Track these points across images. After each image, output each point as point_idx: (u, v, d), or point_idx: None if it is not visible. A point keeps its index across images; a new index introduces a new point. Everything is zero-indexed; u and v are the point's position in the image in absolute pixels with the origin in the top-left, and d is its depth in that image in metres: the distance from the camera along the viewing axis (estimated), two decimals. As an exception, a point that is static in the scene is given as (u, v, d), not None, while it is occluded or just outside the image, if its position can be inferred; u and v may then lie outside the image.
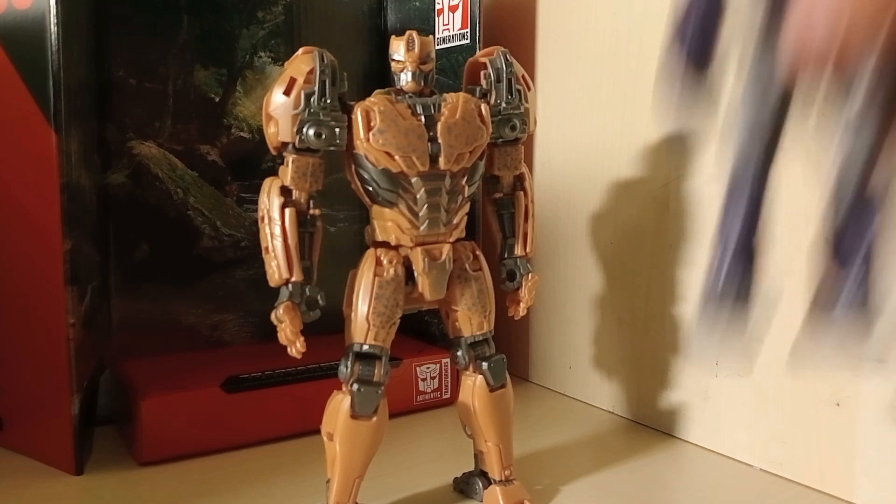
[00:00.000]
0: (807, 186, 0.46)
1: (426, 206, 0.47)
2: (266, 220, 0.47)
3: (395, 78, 0.49)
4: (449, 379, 0.74)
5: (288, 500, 0.55)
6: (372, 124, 0.46)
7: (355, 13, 0.83)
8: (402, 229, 0.48)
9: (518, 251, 0.53)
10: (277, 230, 0.46)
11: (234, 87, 0.76)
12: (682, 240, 0.65)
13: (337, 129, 0.47)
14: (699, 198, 0.64)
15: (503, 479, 0.52)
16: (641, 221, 0.69)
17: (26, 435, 0.62)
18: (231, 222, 0.76)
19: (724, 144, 0.35)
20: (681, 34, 0.36)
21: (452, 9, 0.76)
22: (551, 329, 0.78)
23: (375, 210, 0.49)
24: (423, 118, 0.47)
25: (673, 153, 0.65)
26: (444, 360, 0.73)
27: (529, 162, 0.66)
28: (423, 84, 0.49)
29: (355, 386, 0.48)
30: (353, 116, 0.47)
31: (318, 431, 0.50)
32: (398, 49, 0.49)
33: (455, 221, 0.49)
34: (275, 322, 0.47)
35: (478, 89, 0.51)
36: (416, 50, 0.48)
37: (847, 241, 0.35)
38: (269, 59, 0.77)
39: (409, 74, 0.48)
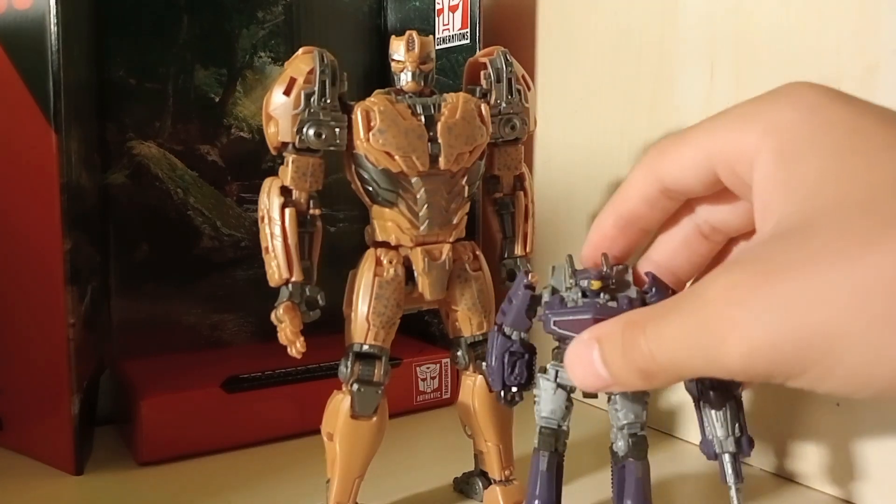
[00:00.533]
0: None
1: (426, 206, 0.47)
2: (266, 220, 0.47)
3: (395, 78, 0.49)
4: (449, 379, 0.74)
5: (288, 500, 0.55)
6: (372, 124, 0.46)
7: (355, 13, 0.83)
8: (402, 229, 0.48)
9: (518, 251, 0.53)
10: (277, 230, 0.46)
11: (234, 87, 0.76)
12: (682, 240, 0.65)
13: (337, 129, 0.47)
14: (699, 198, 0.64)
15: (503, 479, 0.52)
16: (641, 221, 0.68)
17: (26, 435, 0.62)
18: (231, 222, 0.76)
19: None
20: None
21: (452, 9, 0.76)
22: (551, 329, 0.77)
23: (375, 210, 0.49)
24: (423, 118, 0.47)
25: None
26: (444, 360, 0.73)
27: (529, 162, 0.66)
28: (423, 84, 0.49)
29: (355, 386, 0.48)
30: (353, 116, 0.47)
31: (318, 431, 0.50)
32: (398, 49, 0.49)
33: (455, 221, 0.49)
34: (275, 322, 0.47)
35: (478, 89, 0.51)
36: (416, 50, 0.48)
37: None
38: (269, 59, 0.77)
39: (409, 74, 0.48)
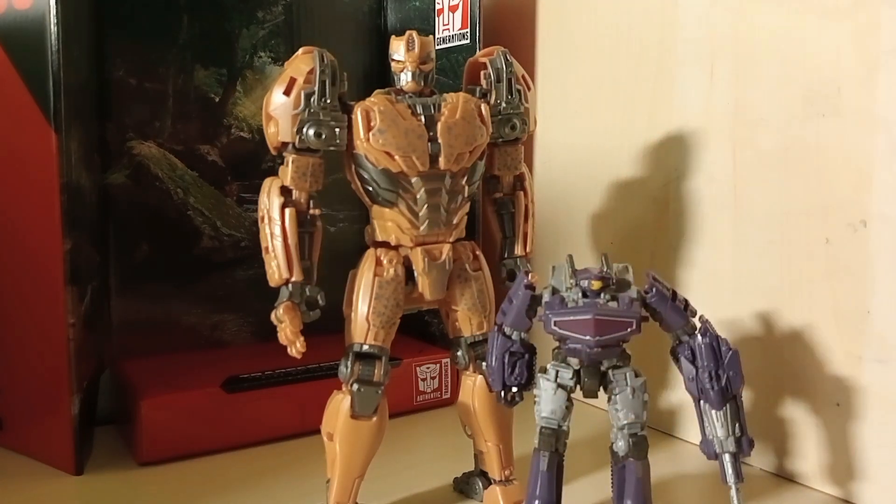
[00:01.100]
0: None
1: (426, 206, 0.47)
2: (266, 220, 0.47)
3: (395, 78, 0.49)
4: (449, 379, 0.74)
5: (288, 500, 0.55)
6: (372, 124, 0.46)
7: (355, 13, 0.83)
8: (402, 229, 0.48)
9: (518, 251, 0.53)
10: (277, 230, 0.46)
11: (234, 87, 0.76)
12: (682, 240, 0.65)
13: (337, 129, 0.47)
14: (699, 198, 0.64)
15: (503, 479, 0.52)
16: (641, 221, 0.69)
17: (26, 435, 0.62)
18: (231, 222, 0.76)
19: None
20: None
21: (452, 9, 0.76)
22: (551, 329, 0.77)
23: (375, 210, 0.49)
24: (423, 118, 0.47)
25: (673, 153, 0.65)
26: (444, 360, 0.73)
27: (529, 162, 0.66)
28: (423, 84, 0.49)
29: (355, 386, 0.48)
30: (353, 116, 0.47)
31: (318, 431, 0.50)
32: (398, 49, 0.49)
33: (455, 221, 0.49)
34: (275, 322, 0.47)
35: (478, 89, 0.51)
36: (416, 50, 0.48)
37: None
38: (269, 59, 0.77)
39: (409, 74, 0.48)
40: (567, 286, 0.45)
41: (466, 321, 0.51)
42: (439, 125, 0.47)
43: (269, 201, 0.47)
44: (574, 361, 0.45)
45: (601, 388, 0.45)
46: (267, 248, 0.47)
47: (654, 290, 0.45)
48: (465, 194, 0.49)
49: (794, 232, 0.57)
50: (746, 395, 0.54)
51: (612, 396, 0.45)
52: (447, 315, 0.52)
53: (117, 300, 0.72)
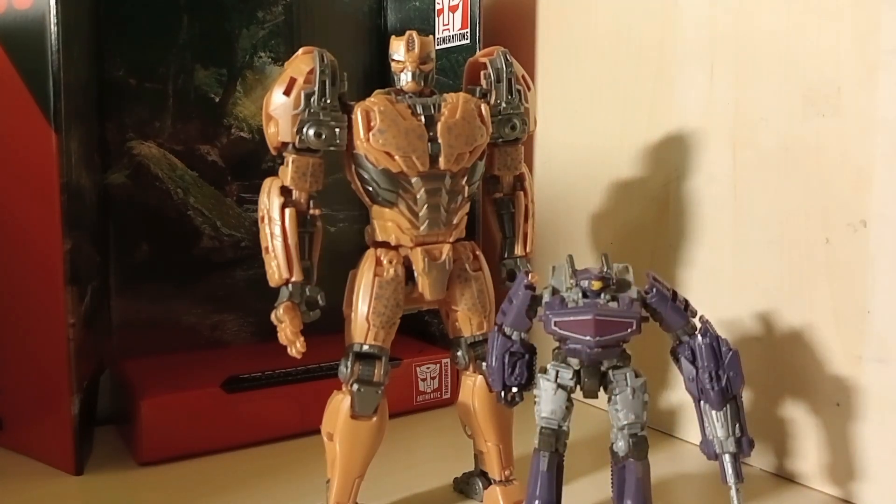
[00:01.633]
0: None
1: (426, 206, 0.47)
2: (266, 220, 0.47)
3: (395, 78, 0.49)
4: (449, 379, 0.74)
5: (288, 500, 0.55)
6: (372, 124, 0.46)
7: (355, 13, 0.83)
8: (402, 229, 0.48)
9: (518, 251, 0.53)
10: (277, 230, 0.46)
11: (234, 87, 0.76)
12: (682, 240, 0.65)
13: (337, 129, 0.47)
14: (699, 198, 0.64)
15: (503, 479, 0.52)
16: (641, 221, 0.69)
17: (26, 435, 0.62)
18: (231, 222, 0.76)
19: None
20: None
21: (452, 9, 0.76)
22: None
23: (375, 210, 0.49)
24: (423, 118, 0.47)
25: (673, 153, 0.65)
26: (444, 360, 0.73)
27: (529, 162, 0.66)
28: (423, 84, 0.49)
29: (355, 386, 0.48)
30: (353, 116, 0.47)
31: (318, 431, 0.50)
32: (398, 49, 0.49)
33: (455, 221, 0.49)
34: (275, 322, 0.47)
35: (478, 89, 0.51)
36: (416, 50, 0.48)
37: None
38: (269, 59, 0.77)
39: (409, 74, 0.48)
40: (567, 286, 0.45)
41: (466, 321, 0.51)
42: (439, 125, 0.47)
43: (269, 201, 0.47)
44: (574, 361, 0.45)
45: (601, 389, 0.45)
46: (267, 248, 0.47)
47: (654, 290, 0.45)
48: (465, 194, 0.49)
49: (794, 232, 0.57)
50: (746, 395, 0.54)
51: (612, 396, 0.45)
52: (447, 315, 0.52)
53: (117, 300, 0.72)
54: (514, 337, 0.46)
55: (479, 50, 0.72)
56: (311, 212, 0.48)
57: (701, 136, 0.63)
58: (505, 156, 0.53)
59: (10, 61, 0.58)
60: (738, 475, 0.45)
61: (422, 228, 0.48)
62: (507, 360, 0.46)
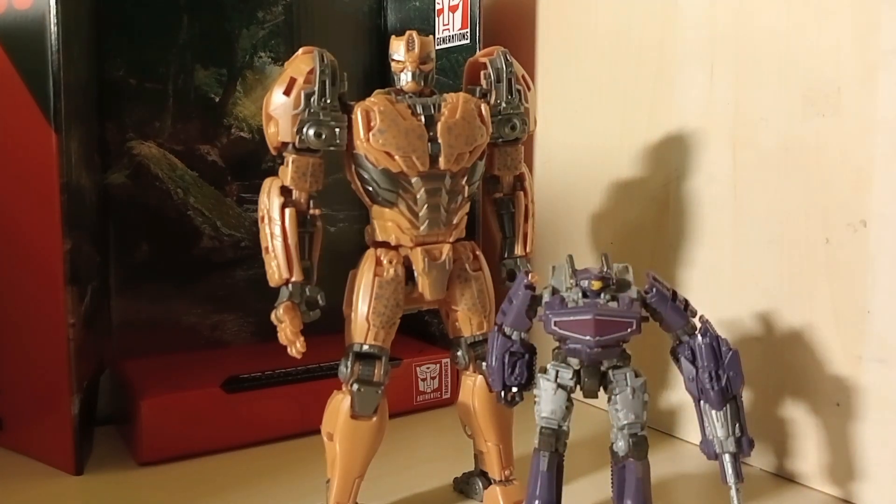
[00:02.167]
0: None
1: (426, 206, 0.47)
2: (266, 220, 0.47)
3: (395, 78, 0.49)
4: (449, 379, 0.74)
5: (288, 500, 0.55)
6: (372, 124, 0.46)
7: (355, 13, 0.83)
8: (402, 229, 0.48)
9: (518, 251, 0.53)
10: (277, 230, 0.46)
11: (234, 87, 0.76)
12: (682, 240, 0.65)
13: (337, 129, 0.47)
14: (699, 198, 0.64)
15: (503, 479, 0.52)
16: (641, 221, 0.69)
17: (26, 435, 0.62)
18: (231, 222, 0.76)
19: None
20: None
21: (452, 9, 0.76)
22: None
23: (375, 210, 0.49)
24: (423, 118, 0.47)
25: (673, 153, 0.65)
26: (444, 360, 0.73)
27: (529, 162, 0.66)
28: (423, 84, 0.49)
29: (355, 386, 0.48)
30: (353, 116, 0.47)
31: (318, 431, 0.50)
32: (398, 49, 0.49)
33: (455, 221, 0.49)
34: (275, 322, 0.47)
35: (478, 89, 0.51)
36: (416, 50, 0.48)
37: None
38: (269, 59, 0.77)
39: (409, 74, 0.48)
40: (567, 286, 0.45)
41: (466, 321, 0.51)
42: (439, 125, 0.47)
43: (269, 201, 0.47)
44: (574, 361, 0.45)
45: (601, 388, 0.45)
46: (267, 248, 0.47)
47: (654, 290, 0.45)
48: (465, 194, 0.49)
49: (794, 232, 0.57)
50: (746, 395, 0.54)
51: (612, 396, 0.45)
52: (447, 315, 0.52)
53: (117, 300, 0.72)
54: (514, 337, 0.46)
55: (479, 50, 0.72)
56: (311, 212, 0.48)
57: (701, 136, 0.63)
58: (505, 156, 0.53)
59: (10, 61, 0.58)
60: (738, 475, 0.45)
61: (422, 228, 0.48)
62: (507, 360, 0.46)
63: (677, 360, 0.46)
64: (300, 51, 0.48)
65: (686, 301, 0.46)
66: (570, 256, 0.45)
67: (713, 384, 0.45)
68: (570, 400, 0.45)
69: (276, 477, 0.59)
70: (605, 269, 0.44)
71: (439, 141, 0.47)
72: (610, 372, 0.45)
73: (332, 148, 0.47)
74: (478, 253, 0.52)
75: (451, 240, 0.49)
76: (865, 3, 0.52)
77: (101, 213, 0.70)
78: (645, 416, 0.45)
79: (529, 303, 0.45)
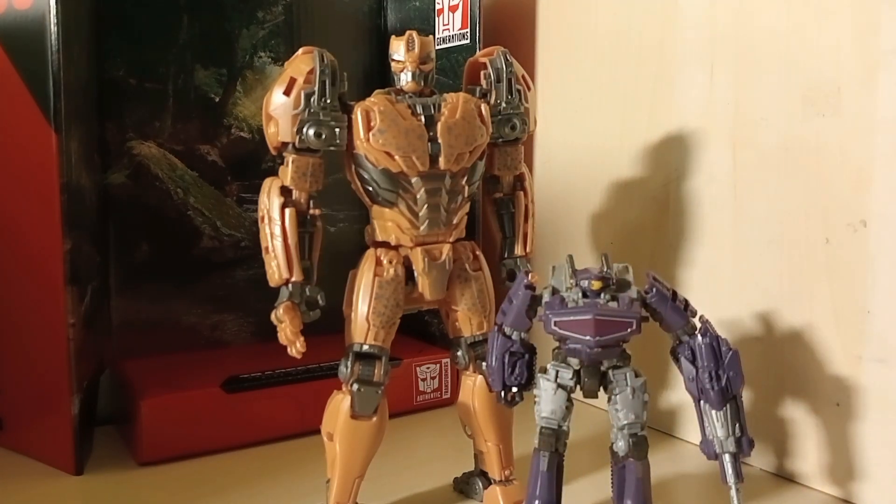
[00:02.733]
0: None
1: (426, 206, 0.47)
2: (266, 220, 0.47)
3: (395, 78, 0.49)
4: (449, 379, 0.74)
5: (288, 500, 0.55)
6: (372, 124, 0.46)
7: (355, 13, 0.83)
8: (402, 229, 0.48)
9: (518, 251, 0.53)
10: (277, 230, 0.46)
11: (234, 87, 0.76)
12: (682, 240, 0.65)
13: (337, 129, 0.47)
14: (699, 198, 0.64)
15: (503, 479, 0.52)
16: (641, 221, 0.69)
17: (26, 435, 0.62)
18: (231, 222, 0.76)
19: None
20: None
21: (452, 9, 0.76)
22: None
23: (375, 210, 0.49)
24: (423, 118, 0.47)
25: (673, 153, 0.65)
26: (444, 360, 0.73)
27: (529, 162, 0.66)
28: (423, 84, 0.49)
29: (355, 386, 0.48)
30: (353, 116, 0.47)
31: (318, 431, 0.50)
32: (398, 49, 0.49)
33: (455, 221, 0.49)
34: (275, 322, 0.47)
35: (478, 89, 0.51)
36: (416, 50, 0.48)
37: None
38: (269, 59, 0.77)
39: (409, 74, 0.48)
40: (567, 286, 0.45)
41: (466, 321, 0.51)
42: (439, 125, 0.47)
43: (269, 201, 0.47)
44: (574, 361, 0.45)
45: (601, 388, 0.45)
46: (267, 248, 0.47)
47: (654, 290, 0.45)
48: (465, 194, 0.49)
49: (794, 232, 0.57)
50: (746, 395, 0.54)
51: (612, 396, 0.45)
52: (447, 315, 0.52)
53: (117, 300, 0.72)
54: (514, 337, 0.46)
55: (479, 50, 0.72)
56: (311, 212, 0.48)
57: (701, 136, 0.63)
58: (505, 156, 0.53)
59: (10, 61, 0.58)
60: (738, 475, 0.45)
61: (422, 228, 0.48)
62: (507, 360, 0.46)
63: (677, 360, 0.46)
64: (300, 51, 0.48)
65: (686, 301, 0.46)
66: (570, 256, 0.45)
67: (713, 384, 0.45)
68: (570, 400, 0.45)
69: (276, 477, 0.59)
70: (605, 269, 0.44)
71: (439, 141, 0.47)
72: (610, 372, 0.45)
73: (332, 148, 0.47)
74: (478, 253, 0.52)
75: (451, 240, 0.49)
76: (865, 3, 0.52)
77: (101, 213, 0.70)
78: (645, 416, 0.45)
79: (529, 303, 0.45)
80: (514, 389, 0.46)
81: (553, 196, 0.76)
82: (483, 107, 0.49)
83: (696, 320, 0.46)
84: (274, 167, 0.48)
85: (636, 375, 0.45)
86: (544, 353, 0.47)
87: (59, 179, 0.56)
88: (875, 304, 0.52)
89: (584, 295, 0.44)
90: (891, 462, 0.52)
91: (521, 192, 0.53)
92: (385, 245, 0.49)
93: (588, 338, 0.43)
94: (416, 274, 0.49)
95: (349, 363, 0.48)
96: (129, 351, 0.72)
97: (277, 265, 0.46)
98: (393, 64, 0.49)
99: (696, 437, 0.49)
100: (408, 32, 0.49)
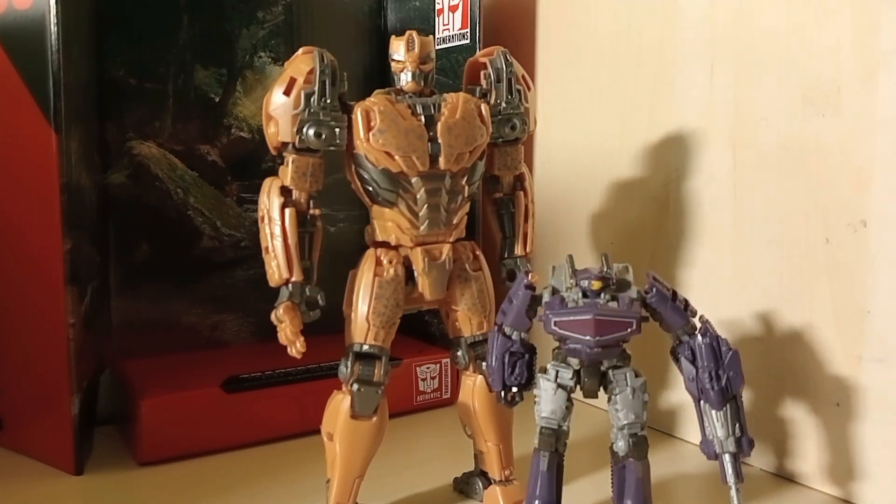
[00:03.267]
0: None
1: (426, 206, 0.47)
2: (266, 220, 0.47)
3: (395, 78, 0.49)
4: (449, 379, 0.74)
5: (288, 500, 0.55)
6: (372, 124, 0.46)
7: (355, 13, 0.83)
8: (402, 229, 0.48)
9: (518, 251, 0.53)
10: (277, 230, 0.46)
11: (234, 87, 0.76)
12: (682, 240, 0.65)
13: (337, 129, 0.47)
14: (699, 198, 0.64)
15: (503, 478, 0.52)
16: (641, 221, 0.69)
17: (26, 435, 0.62)
18: (231, 222, 0.76)
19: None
20: None
21: (452, 9, 0.76)
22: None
23: (375, 210, 0.49)
24: (423, 118, 0.47)
25: (673, 153, 0.65)
26: (444, 360, 0.73)
27: (529, 162, 0.66)
28: (423, 84, 0.49)
29: (355, 386, 0.48)
30: (353, 116, 0.47)
31: (318, 431, 0.50)
32: (398, 49, 0.49)
33: (455, 221, 0.49)
34: (275, 322, 0.47)
35: (478, 89, 0.51)
36: (416, 50, 0.48)
37: None
38: (269, 59, 0.77)
39: (409, 74, 0.48)
40: (567, 286, 0.45)
41: (466, 321, 0.51)
42: (439, 125, 0.47)
43: (269, 201, 0.47)
44: (574, 361, 0.45)
45: (601, 388, 0.45)
46: (267, 248, 0.47)
47: (654, 290, 0.45)
48: (465, 194, 0.49)
49: (793, 232, 0.57)
50: (746, 395, 0.54)
51: (612, 396, 0.45)
52: (447, 315, 0.52)
53: (117, 300, 0.72)
54: (514, 337, 0.46)
55: (479, 50, 0.72)
56: (311, 212, 0.48)
57: (701, 136, 0.63)
58: (505, 156, 0.52)
59: (10, 61, 0.58)
60: (738, 475, 0.45)
61: (422, 228, 0.48)
62: (507, 360, 0.46)
63: (677, 360, 0.46)
64: (300, 51, 0.48)
65: (686, 301, 0.46)
66: (570, 256, 0.45)
67: (713, 384, 0.45)
68: (570, 400, 0.45)
69: (276, 477, 0.59)
70: (605, 269, 0.44)
71: (439, 141, 0.47)
72: (610, 372, 0.45)
73: (332, 148, 0.47)
74: (478, 253, 0.52)
75: (451, 240, 0.49)
76: (865, 3, 0.52)
77: (101, 213, 0.70)
78: (645, 416, 0.45)
79: (529, 303, 0.45)
80: (514, 389, 0.46)
81: (553, 196, 0.76)
82: (483, 107, 0.49)
83: (696, 320, 0.46)
84: (274, 167, 0.48)
85: (636, 375, 0.45)
86: (544, 353, 0.47)
87: (59, 179, 0.56)
88: (875, 304, 0.52)
89: (584, 295, 0.44)
90: (891, 462, 0.52)
91: (521, 192, 0.53)
92: (385, 245, 0.49)
93: (588, 338, 0.43)
94: (416, 274, 0.49)
95: (349, 363, 0.48)
96: (129, 351, 0.72)
97: (277, 265, 0.46)
98: (393, 64, 0.49)
99: (696, 437, 0.49)
100: (408, 32, 0.49)
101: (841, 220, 0.54)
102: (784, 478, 0.59)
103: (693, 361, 0.45)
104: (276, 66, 0.77)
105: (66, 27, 0.56)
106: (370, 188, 0.48)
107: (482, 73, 0.51)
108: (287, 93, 0.46)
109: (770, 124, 0.58)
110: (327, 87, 0.47)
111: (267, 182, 0.47)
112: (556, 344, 0.46)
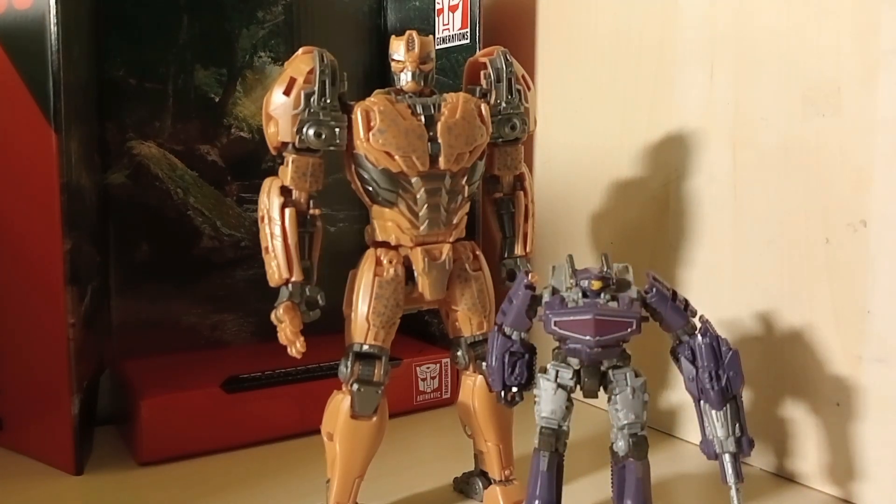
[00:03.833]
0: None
1: (426, 206, 0.47)
2: (266, 220, 0.47)
3: (395, 78, 0.49)
4: (449, 379, 0.74)
5: (288, 500, 0.55)
6: (372, 124, 0.46)
7: (355, 13, 0.83)
8: (402, 229, 0.48)
9: (518, 251, 0.53)
10: (277, 230, 0.46)
11: (234, 87, 0.76)
12: (682, 240, 0.65)
13: (337, 129, 0.47)
14: (699, 198, 0.64)
15: (503, 478, 0.52)
16: (641, 221, 0.69)
17: (26, 435, 0.62)
18: (231, 222, 0.76)
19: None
20: None
21: (452, 9, 0.76)
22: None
23: (375, 210, 0.49)
24: (423, 118, 0.47)
25: (673, 153, 0.65)
26: (444, 360, 0.73)
27: (529, 162, 0.66)
28: (423, 84, 0.49)
29: (355, 386, 0.48)
30: (353, 116, 0.47)
31: (318, 431, 0.50)
32: (398, 49, 0.49)
33: (455, 221, 0.49)
34: (275, 322, 0.47)
35: (478, 89, 0.51)
36: (416, 50, 0.48)
37: None
38: (269, 59, 0.77)
39: (409, 74, 0.48)
40: (567, 286, 0.45)
41: (466, 321, 0.51)
42: (439, 125, 0.47)
43: (269, 201, 0.47)
44: (574, 361, 0.45)
45: (601, 388, 0.45)
46: (267, 248, 0.47)
47: (654, 290, 0.45)
48: (465, 194, 0.49)
49: (793, 232, 0.57)
50: (746, 395, 0.54)
51: (612, 396, 0.45)
52: (447, 315, 0.52)
53: (117, 300, 0.72)
54: (514, 337, 0.46)
55: (479, 50, 0.72)
56: (311, 212, 0.48)
57: (701, 136, 0.63)
58: (505, 156, 0.52)
59: (10, 61, 0.58)
60: (738, 475, 0.45)
61: (422, 228, 0.48)
62: (507, 360, 0.46)
63: (677, 360, 0.46)
64: (300, 51, 0.48)
65: (686, 301, 0.46)
66: (570, 256, 0.45)
67: (713, 384, 0.45)
68: (570, 400, 0.45)
69: (276, 477, 0.59)
70: (605, 269, 0.44)
71: (439, 141, 0.47)
72: (610, 372, 0.45)
73: (332, 148, 0.47)
74: (478, 253, 0.52)
75: (451, 240, 0.49)
76: (865, 3, 0.52)
77: (101, 213, 0.70)
78: (645, 416, 0.45)
79: (529, 303, 0.45)
80: (514, 389, 0.46)
81: (553, 196, 0.76)
82: (483, 107, 0.49)
83: (696, 320, 0.46)
84: (274, 167, 0.48)
85: (636, 375, 0.45)
86: (544, 353, 0.47)
87: (59, 179, 0.56)
88: (875, 304, 0.52)
89: (584, 295, 0.44)
90: (891, 462, 0.52)
91: (521, 192, 0.53)
92: (385, 245, 0.49)
93: (588, 338, 0.43)
94: (416, 274, 0.49)
95: (349, 363, 0.48)
96: (129, 351, 0.72)
97: (277, 265, 0.46)
98: (393, 64, 0.49)
99: (696, 437, 0.49)
100: (408, 32, 0.49)
101: (841, 220, 0.54)
102: (784, 478, 0.59)
103: (693, 361, 0.45)
104: (276, 66, 0.77)
105: (66, 27, 0.56)
106: (370, 188, 0.48)
107: (482, 72, 0.51)
108: (287, 93, 0.46)
109: (770, 124, 0.58)
110: (327, 86, 0.47)
111: (267, 182, 0.47)
112: (556, 344, 0.46)
